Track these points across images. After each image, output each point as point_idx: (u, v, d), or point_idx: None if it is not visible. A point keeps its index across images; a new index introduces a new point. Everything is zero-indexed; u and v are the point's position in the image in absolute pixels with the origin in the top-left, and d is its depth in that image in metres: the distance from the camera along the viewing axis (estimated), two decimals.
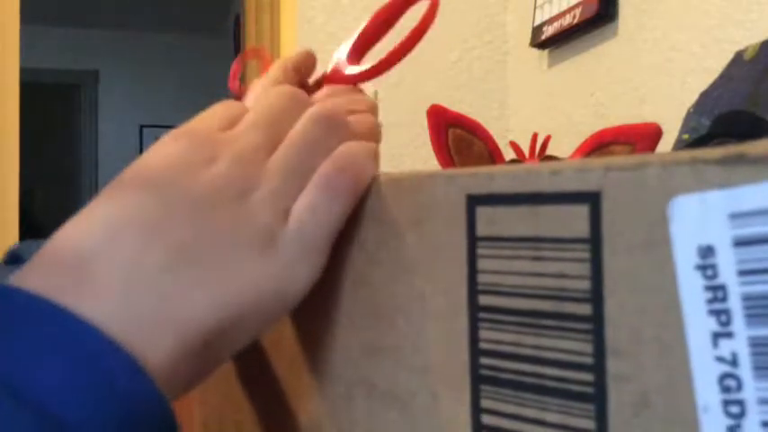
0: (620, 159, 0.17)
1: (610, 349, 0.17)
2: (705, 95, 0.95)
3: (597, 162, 0.17)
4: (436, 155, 0.76)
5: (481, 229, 0.20)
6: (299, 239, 0.25)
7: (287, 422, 0.29)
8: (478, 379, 0.20)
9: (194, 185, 0.24)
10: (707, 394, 0.15)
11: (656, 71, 1.48)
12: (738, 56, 0.94)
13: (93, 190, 4.54)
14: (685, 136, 0.93)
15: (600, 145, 0.74)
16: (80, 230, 0.23)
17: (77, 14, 4.26)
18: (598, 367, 0.17)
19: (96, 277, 0.22)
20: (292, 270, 0.24)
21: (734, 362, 0.15)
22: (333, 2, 1.87)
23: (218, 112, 0.28)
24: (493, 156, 0.77)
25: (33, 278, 0.22)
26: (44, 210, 4.78)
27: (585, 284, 0.18)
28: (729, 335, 0.15)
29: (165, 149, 0.25)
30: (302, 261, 0.25)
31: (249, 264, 0.24)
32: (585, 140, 0.76)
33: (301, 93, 0.29)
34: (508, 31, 1.97)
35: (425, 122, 0.73)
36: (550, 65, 1.83)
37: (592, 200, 0.18)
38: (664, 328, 0.16)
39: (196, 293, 0.23)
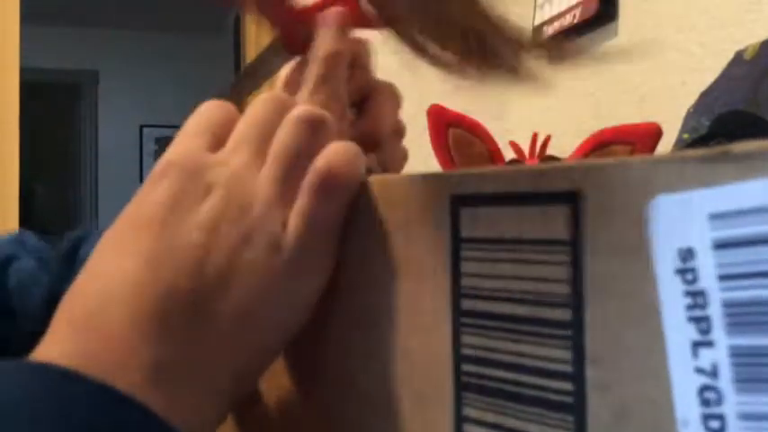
0: (601, 159, 0.16)
1: (589, 357, 0.17)
2: (705, 95, 0.95)
3: (578, 162, 0.17)
4: (436, 155, 0.76)
5: (465, 231, 0.20)
6: (300, 248, 0.25)
7: (282, 425, 0.28)
8: (461, 386, 0.20)
9: (194, 221, 0.24)
10: (686, 407, 0.14)
11: (656, 71, 1.47)
12: (738, 56, 0.93)
13: (93, 189, 4.54)
14: (685, 136, 0.93)
15: (600, 145, 0.74)
16: (96, 292, 0.23)
17: (77, 14, 4.26)
18: (577, 376, 0.17)
19: (126, 345, 0.22)
20: (300, 280, 0.25)
21: (714, 373, 0.14)
22: None
23: (203, 123, 0.27)
24: (493, 156, 0.77)
25: (67, 349, 0.22)
26: (44, 209, 4.78)
27: (565, 289, 0.17)
28: (710, 344, 0.14)
29: (159, 188, 0.25)
30: (308, 269, 0.25)
31: (259, 285, 0.24)
32: (585, 140, 0.75)
33: (283, 96, 0.28)
34: None
35: (425, 122, 0.73)
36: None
37: (572, 200, 0.17)
38: (644, 336, 0.15)
39: (220, 332, 0.23)
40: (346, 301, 0.25)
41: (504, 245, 0.19)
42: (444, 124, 0.75)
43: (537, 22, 1.81)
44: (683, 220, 0.15)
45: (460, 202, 0.20)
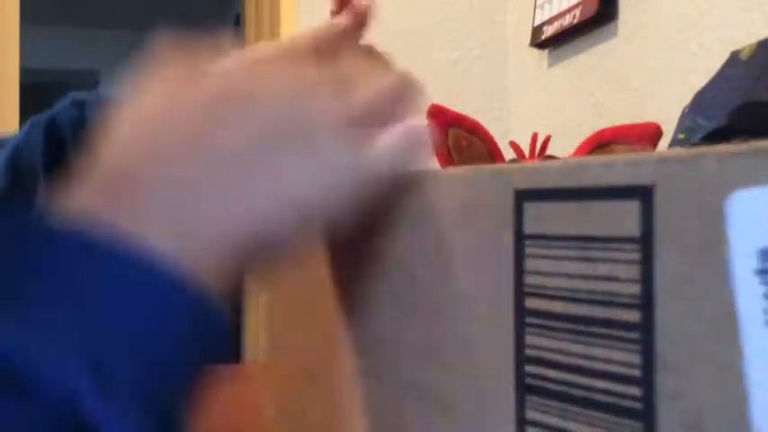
0: (675, 151, 0.16)
1: (660, 362, 0.16)
2: (700, 95, 0.95)
3: (650, 154, 0.16)
4: (436, 155, 0.76)
5: (529, 227, 0.19)
6: (379, 160, 0.25)
7: (337, 422, 0.28)
8: (524, 388, 0.19)
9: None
10: (766, 419, 0.14)
11: (656, 71, 1.47)
12: (734, 56, 0.93)
13: None
14: (681, 135, 0.93)
15: (600, 145, 0.74)
16: (131, 150, 0.23)
17: (77, 14, 4.25)
18: (647, 382, 0.16)
19: (158, 199, 0.22)
20: (352, 157, 0.24)
21: None
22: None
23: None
24: (493, 156, 0.76)
25: (99, 206, 0.21)
26: None
27: (635, 289, 0.16)
28: None
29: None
30: (377, 179, 0.25)
31: (302, 163, 0.24)
32: (585, 140, 0.75)
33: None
34: (508, 31, 1.96)
35: (425, 122, 0.72)
36: (550, 65, 1.82)
37: (643, 195, 0.16)
38: (719, 341, 0.15)
39: (263, 187, 0.23)
40: (405, 298, 0.25)
41: (570, 242, 0.18)
42: (444, 124, 0.75)
43: (537, 22, 1.81)
44: (764, 218, 0.14)
45: (525, 196, 0.19)
